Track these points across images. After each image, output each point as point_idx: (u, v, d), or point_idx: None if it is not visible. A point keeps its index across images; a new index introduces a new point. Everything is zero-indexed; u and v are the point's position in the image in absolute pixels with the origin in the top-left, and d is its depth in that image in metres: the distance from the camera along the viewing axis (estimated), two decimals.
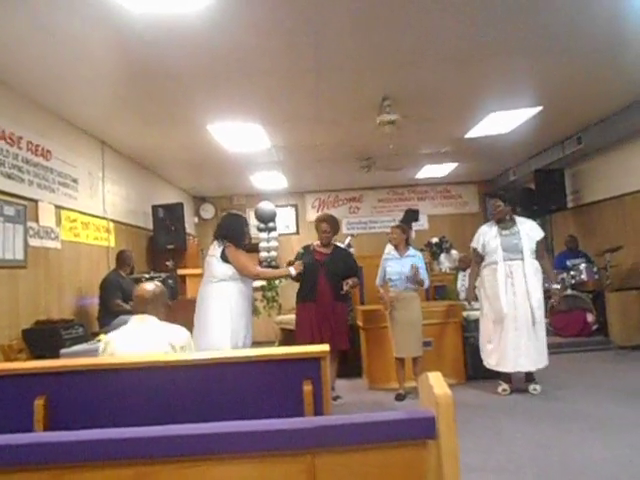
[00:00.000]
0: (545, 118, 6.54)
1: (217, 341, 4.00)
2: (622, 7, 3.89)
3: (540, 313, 4.74)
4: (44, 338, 4.51)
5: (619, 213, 7.59)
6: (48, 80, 4.64)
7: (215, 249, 4.32)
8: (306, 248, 5.03)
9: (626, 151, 7.24)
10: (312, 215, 11.38)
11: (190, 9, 3.50)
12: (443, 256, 8.23)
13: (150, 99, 5.30)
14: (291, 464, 1.39)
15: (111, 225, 6.69)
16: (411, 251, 5.06)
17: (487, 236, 4.92)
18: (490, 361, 4.89)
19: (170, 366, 2.28)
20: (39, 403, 2.12)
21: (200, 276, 7.15)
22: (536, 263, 4.81)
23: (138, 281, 5.88)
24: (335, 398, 4.80)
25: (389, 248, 5.07)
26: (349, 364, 5.66)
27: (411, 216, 8.39)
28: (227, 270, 4.19)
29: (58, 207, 5.40)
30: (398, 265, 4.94)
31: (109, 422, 1.65)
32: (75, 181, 5.81)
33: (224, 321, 4.08)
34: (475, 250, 5.02)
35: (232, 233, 4.34)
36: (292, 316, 5.14)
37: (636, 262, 7.05)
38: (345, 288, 4.77)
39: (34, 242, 4.93)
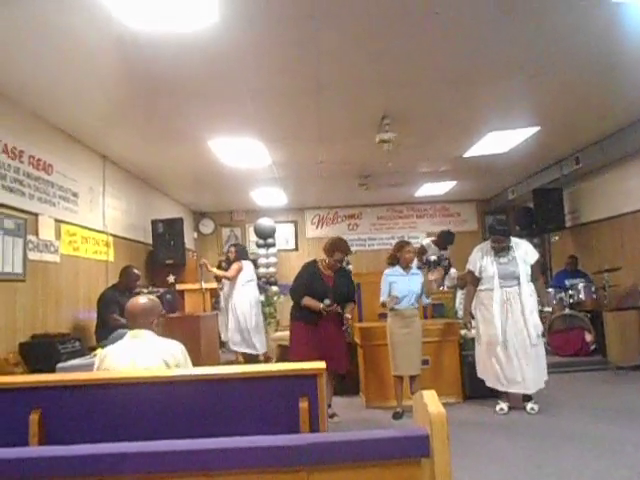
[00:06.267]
0: (543, 138, 6.60)
1: None
2: (619, 29, 3.95)
3: (536, 335, 4.74)
4: (40, 352, 4.50)
5: (617, 233, 7.62)
6: (51, 94, 4.69)
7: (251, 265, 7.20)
8: (311, 265, 4.93)
9: (624, 171, 7.29)
10: (311, 231, 11.43)
11: (193, 28, 3.57)
12: (449, 272, 8.22)
13: (151, 114, 5.35)
14: None
15: (110, 239, 6.71)
16: (414, 269, 5.08)
17: (484, 261, 4.91)
18: (488, 379, 4.88)
19: (166, 382, 2.28)
20: (34, 417, 2.12)
21: (199, 291, 7.35)
22: (532, 285, 4.82)
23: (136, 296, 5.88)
24: (332, 416, 4.78)
25: (396, 267, 5.03)
26: (346, 382, 5.64)
27: (447, 238, 8.44)
28: None
29: (58, 221, 5.43)
30: (405, 282, 4.93)
31: (104, 437, 1.66)
32: (75, 195, 5.84)
33: None
34: (472, 272, 5.01)
35: None
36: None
37: (634, 282, 7.06)
38: (347, 324, 4.81)
39: (33, 256, 4.94)
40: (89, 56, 3.98)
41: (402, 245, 5.11)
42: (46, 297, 5.16)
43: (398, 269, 4.99)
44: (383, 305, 5.03)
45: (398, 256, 5.05)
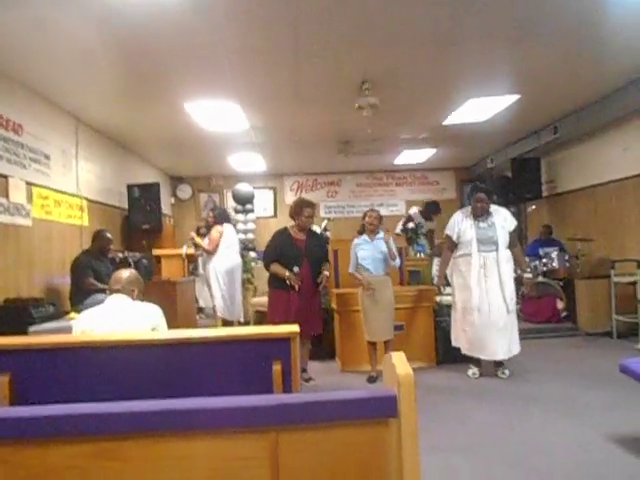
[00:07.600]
0: (522, 107, 6.60)
1: None
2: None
3: (512, 302, 4.82)
4: (13, 316, 4.44)
5: (591, 203, 7.73)
6: (21, 53, 4.51)
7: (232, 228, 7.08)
8: (282, 232, 4.92)
9: (600, 142, 7.36)
10: (290, 198, 11.37)
11: None
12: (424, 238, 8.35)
13: (126, 75, 5.19)
14: (255, 441, 1.41)
15: (85, 203, 6.58)
16: (380, 234, 5.08)
17: (462, 225, 4.95)
18: (462, 346, 4.97)
19: (139, 345, 2.27)
20: (4, 380, 2.10)
21: (177, 256, 7.34)
22: (508, 252, 4.88)
23: (112, 261, 5.81)
24: (307, 380, 4.85)
25: (363, 236, 5.03)
26: (323, 346, 5.71)
27: (432, 208, 8.86)
28: None
29: (29, 183, 5.29)
30: (370, 249, 4.95)
31: (75, 400, 1.64)
32: (47, 157, 5.69)
33: None
34: (450, 237, 5.04)
35: None
36: (266, 298, 5.14)
37: (605, 251, 7.20)
38: (323, 283, 4.78)
39: (4, 218, 4.83)
40: (63, 15, 3.83)
41: (366, 212, 5.17)
42: (19, 261, 5.07)
43: (364, 237, 5.01)
44: (353, 276, 5.06)
45: (363, 223, 5.08)
